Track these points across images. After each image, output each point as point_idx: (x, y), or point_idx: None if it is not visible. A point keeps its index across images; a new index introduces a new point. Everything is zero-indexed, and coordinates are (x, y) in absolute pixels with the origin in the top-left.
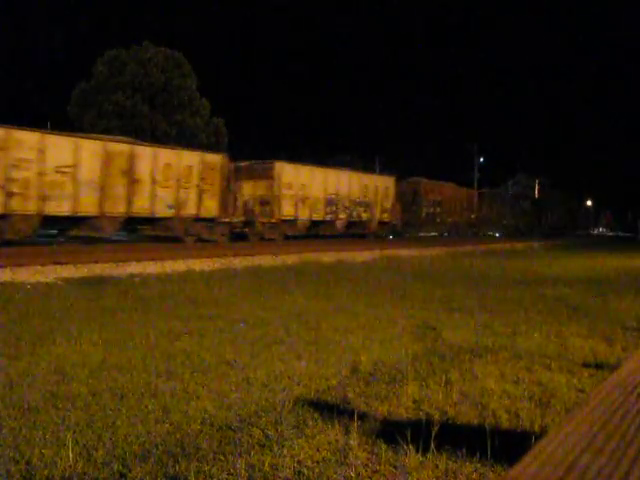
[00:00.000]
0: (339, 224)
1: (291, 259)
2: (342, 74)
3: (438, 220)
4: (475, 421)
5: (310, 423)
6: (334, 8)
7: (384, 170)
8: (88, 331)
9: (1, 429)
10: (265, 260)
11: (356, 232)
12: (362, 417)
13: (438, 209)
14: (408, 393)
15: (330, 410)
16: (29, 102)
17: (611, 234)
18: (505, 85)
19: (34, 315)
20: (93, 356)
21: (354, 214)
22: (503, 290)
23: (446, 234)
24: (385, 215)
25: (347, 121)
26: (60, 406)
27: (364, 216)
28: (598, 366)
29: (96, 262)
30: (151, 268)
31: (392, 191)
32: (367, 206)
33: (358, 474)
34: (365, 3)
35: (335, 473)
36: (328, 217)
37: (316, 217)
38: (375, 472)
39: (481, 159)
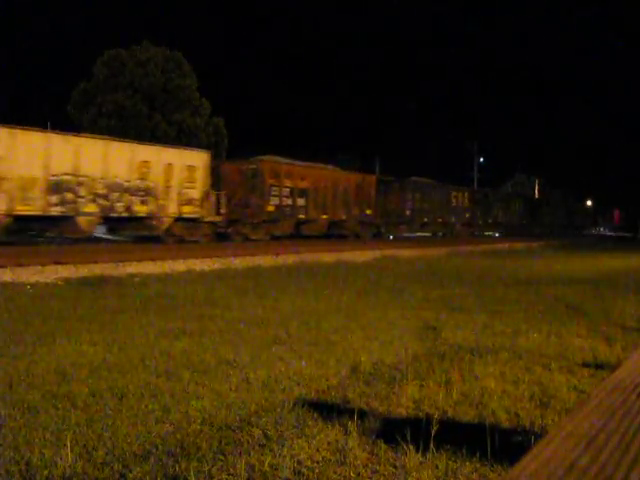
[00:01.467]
0: (84, 221)
1: (291, 259)
2: (342, 74)
3: (302, 215)
4: (475, 421)
5: (310, 423)
6: (334, 8)
7: (385, 171)
8: (88, 331)
9: (1, 429)
10: (265, 260)
11: (133, 233)
12: (362, 417)
13: (301, 201)
14: (408, 393)
15: (330, 410)
16: (29, 102)
17: (611, 234)
18: (505, 85)
19: (34, 315)
20: (93, 356)
21: (118, 206)
22: (503, 290)
23: (349, 235)
24: (189, 208)
25: (347, 121)
26: (60, 406)
27: (141, 209)
28: (598, 366)
29: (96, 262)
30: (151, 268)
31: (203, 173)
32: (149, 194)
33: (358, 474)
34: (365, 3)
35: (335, 473)
36: (56, 210)
37: (27, 210)
38: (375, 472)
39: (481, 159)
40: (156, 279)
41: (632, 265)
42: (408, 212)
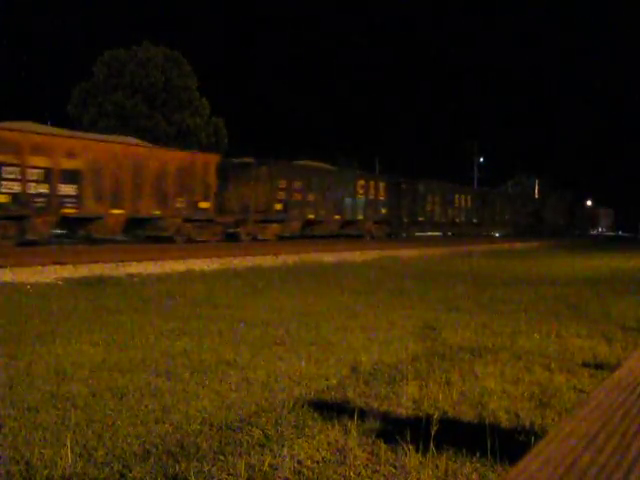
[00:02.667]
0: None
1: (291, 259)
2: (342, 74)
3: (70, 209)
4: (475, 421)
5: (310, 423)
6: (334, 8)
7: (385, 172)
8: (88, 331)
9: (1, 429)
10: (265, 260)
11: None
12: (362, 417)
13: (69, 187)
14: (408, 393)
15: (330, 410)
16: (29, 102)
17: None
18: (505, 85)
19: (34, 315)
20: (93, 356)
21: None
22: (502, 290)
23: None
24: None
25: (347, 121)
26: (60, 406)
27: None
28: (598, 366)
29: (96, 262)
30: (151, 268)
31: None
32: None
33: (358, 474)
34: (365, 3)
35: (335, 473)
36: None
37: None
38: (375, 472)
39: (481, 159)
40: (156, 279)
41: (633, 266)
42: (279, 207)
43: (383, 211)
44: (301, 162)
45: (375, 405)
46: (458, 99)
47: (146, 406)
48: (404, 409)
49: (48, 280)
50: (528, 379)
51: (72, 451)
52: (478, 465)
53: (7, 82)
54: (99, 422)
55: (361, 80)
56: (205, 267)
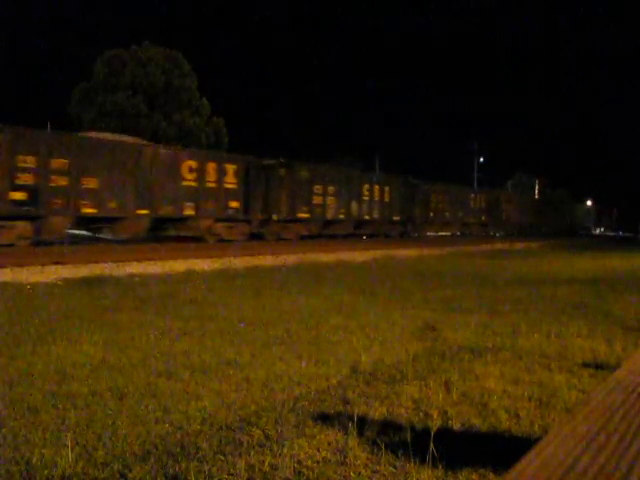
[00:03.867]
0: None
1: (291, 259)
2: (342, 74)
3: None
4: (475, 421)
5: (310, 423)
6: (333, 8)
7: (385, 171)
8: (88, 331)
9: (1, 429)
10: (265, 260)
11: None
12: (362, 417)
13: None
14: (408, 393)
15: (330, 410)
16: (29, 102)
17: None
18: (505, 85)
19: (34, 315)
20: (93, 356)
21: None
22: (503, 290)
23: None
24: None
25: (348, 121)
26: (60, 406)
27: None
28: (598, 366)
29: (96, 262)
30: (151, 268)
31: None
32: None
33: (358, 474)
34: (364, 3)
35: (335, 473)
36: None
37: None
38: (375, 472)
39: (481, 159)
40: (156, 279)
41: (633, 265)
42: (21, 196)
43: (234, 204)
44: (80, 134)
45: (375, 405)
46: (458, 99)
47: (146, 406)
48: (404, 409)
49: (48, 280)
50: (528, 379)
51: (72, 451)
52: (478, 465)
53: (7, 82)
54: (99, 422)
55: (360, 80)
56: (205, 267)
